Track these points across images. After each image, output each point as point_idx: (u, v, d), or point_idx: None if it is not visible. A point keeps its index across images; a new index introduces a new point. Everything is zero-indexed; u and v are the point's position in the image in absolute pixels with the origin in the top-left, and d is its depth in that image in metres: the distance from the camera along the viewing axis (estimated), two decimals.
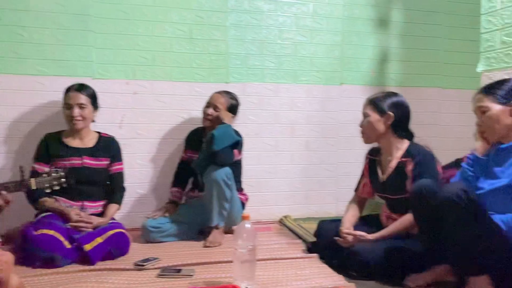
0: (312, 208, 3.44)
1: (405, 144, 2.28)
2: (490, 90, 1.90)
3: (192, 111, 3.14)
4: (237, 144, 2.69)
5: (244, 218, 1.92)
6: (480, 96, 1.92)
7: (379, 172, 2.38)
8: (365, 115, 2.31)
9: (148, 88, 3.07)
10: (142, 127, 3.07)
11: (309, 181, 3.43)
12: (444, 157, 2.54)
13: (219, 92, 2.88)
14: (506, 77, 2.16)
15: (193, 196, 2.94)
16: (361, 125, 2.34)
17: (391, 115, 2.25)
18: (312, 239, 2.67)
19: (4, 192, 2.09)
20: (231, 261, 2.23)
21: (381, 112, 2.27)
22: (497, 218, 1.78)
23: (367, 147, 3.47)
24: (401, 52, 3.56)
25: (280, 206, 3.38)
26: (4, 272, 1.72)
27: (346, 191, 3.43)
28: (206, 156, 2.63)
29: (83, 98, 2.57)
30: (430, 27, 3.60)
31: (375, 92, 3.40)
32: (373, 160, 2.44)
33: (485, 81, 2.39)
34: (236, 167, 2.83)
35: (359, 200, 2.50)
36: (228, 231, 2.88)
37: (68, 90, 2.58)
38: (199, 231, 2.85)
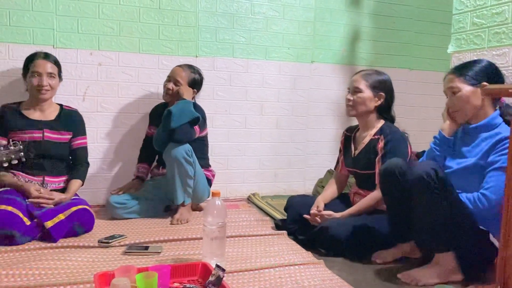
0: (280, 186, 3.44)
1: (380, 123, 2.32)
2: (461, 71, 1.92)
3: (159, 85, 3.02)
4: (197, 120, 2.58)
5: (215, 194, 1.88)
6: (451, 77, 1.93)
7: (352, 147, 2.41)
8: (357, 90, 2.29)
9: (114, 60, 2.93)
10: (107, 100, 2.95)
11: (277, 159, 3.42)
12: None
13: (180, 66, 2.78)
14: (476, 58, 2.19)
15: (159, 173, 2.86)
16: (351, 99, 2.31)
17: (382, 95, 2.29)
18: (281, 216, 2.68)
19: None
20: (199, 238, 2.22)
21: (375, 90, 2.28)
22: (464, 196, 1.81)
23: (336, 127, 3.53)
24: (372, 32, 3.56)
25: (248, 183, 3.36)
26: None
27: (314, 170, 3.49)
28: (162, 133, 2.54)
29: (52, 67, 2.44)
30: (401, 8, 3.61)
31: (348, 71, 3.47)
32: (349, 136, 2.48)
33: (456, 62, 2.42)
34: (200, 143, 2.76)
35: (339, 178, 2.52)
36: (195, 208, 2.84)
37: (34, 57, 2.44)
38: (165, 208, 2.80)
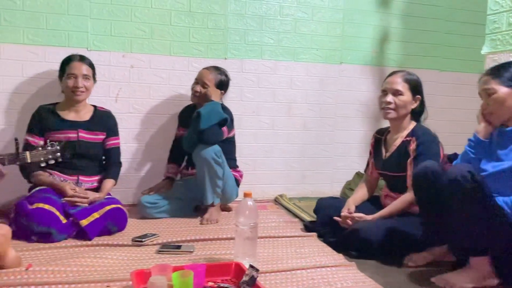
0: (307, 188, 3.43)
1: (412, 125, 2.30)
2: (497, 72, 1.88)
3: (189, 86, 3.06)
4: (225, 121, 2.62)
5: (247, 195, 1.90)
6: (486, 78, 1.90)
7: (383, 150, 2.39)
8: (399, 93, 2.25)
9: (146, 62, 2.99)
10: (139, 102, 3.01)
11: (305, 161, 3.42)
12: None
13: (208, 68, 2.81)
14: None
15: (188, 173, 2.90)
16: (391, 101, 2.25)
17: (419, 98, 2.28)
18: (309, 218, 2.68)
19: None
20: (230, 238, 2.24)
21: (414, 93, 2.27)
22: (500, 200, 1.78)
23: (365, 128, 3.51)
24: (401, 33, 3.52)
25: (275, 185, 3.37)
26: (2, 245, 1.69)
27: (342, 172, 3.47)
28: (193, 135, 2.58)
29: (87, 69, 2.51)
30: (431, 8, 3.56)
31: (377, 72, 3.45)
32: (379, 138, 2.45)
33: (490, 63, 2.37)
34: (228, 144, 2.79)
35: (369, 180, 2.50)
36: (224, 208, 2.87)
37: (70, 60, 2.51)
38: (194, 207, 2.83)
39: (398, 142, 2.29)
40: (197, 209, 2.83)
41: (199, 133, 2.53)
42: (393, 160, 2.30)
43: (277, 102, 3.31)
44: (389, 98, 2.26)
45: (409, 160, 2.19)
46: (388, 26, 3.50)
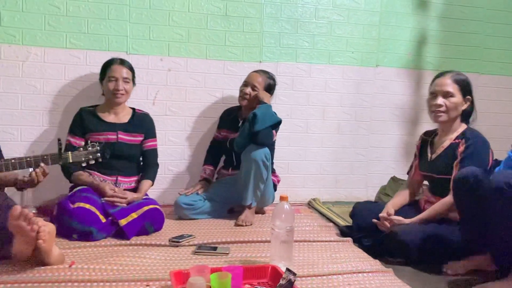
0: (341, 192, 3.41)
1: (462, 127, 2.25)
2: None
3: (224, 89, 3.11)
4: (278, 124, 2.68)
5: (283, 199, 1.90)
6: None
7: (429, 151, 2.34)
8: (450, 94, 2.20)
9: (182, 65, 3.04)
10: (175, 104, 3.06)
11: (339, 165, 3.39)
12: None
13: (257, 71, 2.85)
14: None
15: (225, 174, 2.93)
16: (442, 104, 2.19)
17: (470, 99, 2.23)
18: (344, 222, 2.65)
19: (42, 164, 2.12)
20: (264, 241, 2.25)
21: (465, 94, 2.22)
22: None
23: (401, 132, 3.46)
24: (439, 35, 3.45)
25: (308, 188, 3.36)
26: (47, 242, 1.76)
27: (377, 176, 3.42)
28: (247, 135, 2.62)
29: (127, 72, 2.57)
30: (470, 10, 3.47)
31: (414, 75, 3.39)
32: (426, 140, 2.41)
33: None
34: (271, 148, 2.81)
35: (411, 184, 2.45)
36: (258, 210, 2.88)
37: (111, 63, 2.58)
38: (229, 209, 2.85)
39: (446, 144, 2.24)
40: (231, 211, 2.85)
41: (254, 134, 2.56)
42: (439, 161, 2.24)
43: (311, 105, 3.30)
44: (440, 100, 2.20)
45: (455, 162, 2.13)
46: (425, 28, 3.44)
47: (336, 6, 3.27)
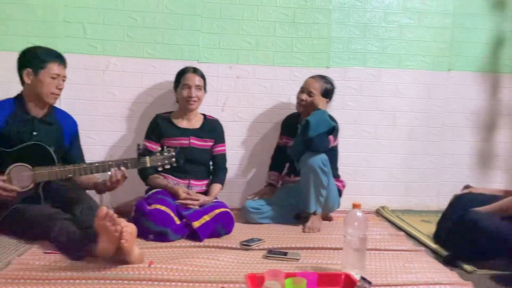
0: (411, 200, 3.30)
1: None
2: None
3: (291, 96, 3.13)
4: (333, 130, 2.63)
5: (355, 206, 1.89)
6: None
7: None
8: None
9: (250, 72, 3.10)
10: (243, 111, 3.12)
11: (409, 172, 3.29)
12: None
13: (313, 77, 2.83)
14: None
15: (289, 180, 2.94)
16: None
17: None
18: (415, 232, 2.57)
19: (123, 168, 2.26)
20: (335, 248, 2.24)
21: None
22: None
23: (476, 139, 3.32)
24: None
25: (376, 196, 3.29)
26: (129, 242, 1.86)
27: (449, 184, 3.29)
28: (301, 143, 2.61)
29: (199, 80, 2.67)
30: None
31: (490, 79, 3.23)
32: None
33: None
34: (332, 153, 2.79)
35: None
36: (325, 217, 2.86)
37: (185, 71, 2.69)
38: (295, 215, 2.86)
39: None
40: (298, 217, 2.85)
41: (307, 141, 2.56)
42: None
43: (380, 110, 3.24)
44: None
45: None
46: (502, 29, 3.26)
47: (406, 9, 3.19)
